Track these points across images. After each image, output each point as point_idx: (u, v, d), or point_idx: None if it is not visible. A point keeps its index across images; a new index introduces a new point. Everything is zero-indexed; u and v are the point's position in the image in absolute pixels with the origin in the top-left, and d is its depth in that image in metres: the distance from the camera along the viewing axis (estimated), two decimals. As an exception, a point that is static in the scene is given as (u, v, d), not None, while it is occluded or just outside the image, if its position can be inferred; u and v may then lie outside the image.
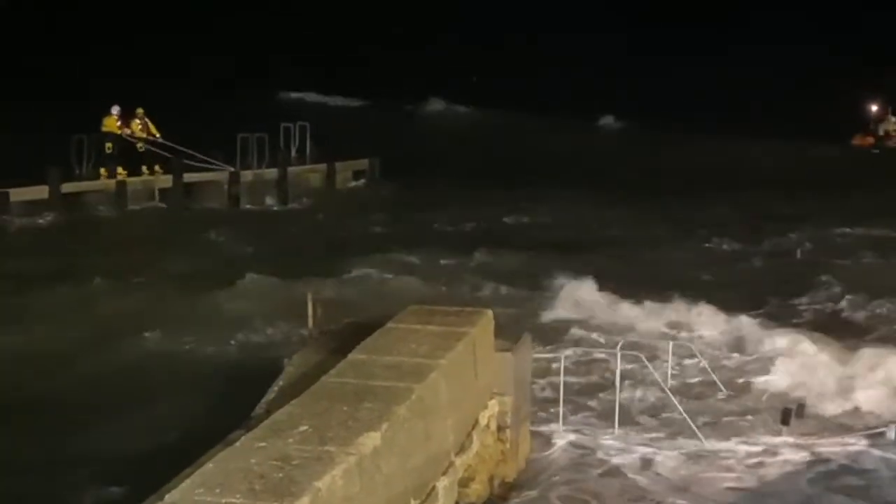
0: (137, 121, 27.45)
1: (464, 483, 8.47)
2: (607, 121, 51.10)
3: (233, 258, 21.07)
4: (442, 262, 20.55)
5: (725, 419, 11.85)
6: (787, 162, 37.18)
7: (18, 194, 24.74)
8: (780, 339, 14.13)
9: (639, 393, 12.44)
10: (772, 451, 10.82)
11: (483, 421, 8.92)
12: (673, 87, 56.33)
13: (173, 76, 52.57)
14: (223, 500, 5.27)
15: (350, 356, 7.85)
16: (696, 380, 13.14)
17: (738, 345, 14.43)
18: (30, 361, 13.89)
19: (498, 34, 69.21)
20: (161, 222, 25.75)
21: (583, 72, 59.99)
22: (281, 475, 5.52)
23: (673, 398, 11.60)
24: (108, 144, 26.80)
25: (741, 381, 13.04)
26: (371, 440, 6.09)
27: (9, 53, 53.47)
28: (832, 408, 11.90)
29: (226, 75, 56.57)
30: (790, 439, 11.07)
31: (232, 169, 28.29)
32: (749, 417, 11.88)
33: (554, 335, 14.84)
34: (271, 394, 8.64)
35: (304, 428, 6.20)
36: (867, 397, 12.01)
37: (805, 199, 28.87)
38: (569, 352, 12.29)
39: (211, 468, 5.67)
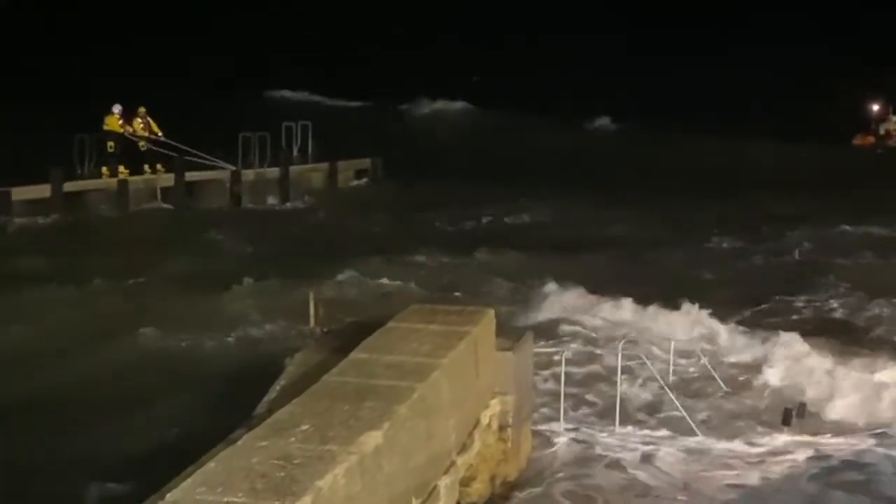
0: (139, 120, 27.49)
1: (465, 482, 8.47)
2: (607, 120, 51.16)
3: (234, 257, 21.09)
4: (444, 261, 20.56)
5: (726, 418, 11.85)
6: (787, 162, 37.20)
7: (20, 193, 24.77)
8: (780, 340, 14.10)
9: (639, 391, 12.44)
10: (773, 450, 10.81)
11: (485, 420, 8.91)
12: (673, 87, 56.35)
13: (173, 76, 52.58)
14: (225, 499, 5.25)
15: (351, 355, 7.84)
16: (696, 379, 13.14)
17: (737, 344, 14.41)
18: (28, 361, 13.88)
19: (498, 34, 69.26)
20: (163, 221, 25.78)
21: (583, 72, 60.03)
22: (283, 474, 5.50)
23: (673, 397, 11.61)
24: (111, 143, 26.84)
25: (741, 380, 13.03)
26: (373, 439, 6.07)
27: (9, 53, 53.48)
28: (832, 408, 11.89)
29: (226, 75, 56.59)
30: (791, 438, 11.08)
31: (234, 168, 28.31)
32: (749, 417, 11.88)
33: (552, 335, 14.82)
34: (273, 393, 8.62)
35: (306, 427, 6.18)
36: (866, 398, 11.98)
37: (805, 198, 28.89)
38: (568, 354, 12.24)
39: (212, 467, 5.65)
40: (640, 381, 12.61)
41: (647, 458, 10.42)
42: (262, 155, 29.51)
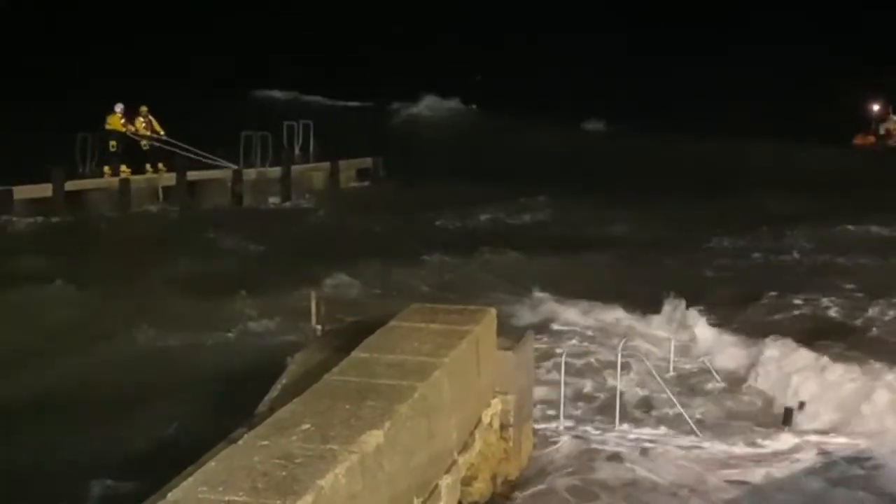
0: (141, 118, 27.51)
1: (467, 481, 8.47)
2: (607, 120, 51.09)
3: (236, 257, 21.11)
4: (445, 260, 20.55)
5: (725, 417, 11.89)
6: (787, 162, 37.15)
7: (22, 192, 24.80)
8: (778, 340, 14.12)
9: (638, 390, 12.46)
10: (772, 448, 10.86)
11: (486, 419, 8.92)
12: (673, 87, 56.31)
13: (173, 76, 52.55)
14: (226, 499, 5.25)
15: (353, 354, 7.84)
16: (694, 379, 13.15)
17: (736, 345, 14.42)
18: (27, 361, 13.88)
19: (498, 34, 69.23)
20: (164, 220, 25.79)
21: (583, 72, 59.98)
22: (284, 473, 5.50)
23: (672, 397, 11.63)
24: (112, 142, 26.87)
25: (739, 381, 13.05)
26: (374, 438, 6.07)
27: (9, 53, 53.46)
28: (831, 408, 11.88)
29: (226, 75, 56.56)
30: (791, 436, 11.10)
31: (235, 167, 28.33)
32: (748, 416, 11.92)
33: (552, 335, 14.83)
34: (274, 392, 8.63)
35: (307, 426, 6.18)
36: (863, 399, 11.97)
37: (805, 198, 28.85)
38: (567, 353, 12.25)
39: (214, 466, 5.65)
40: (639, 380, 12.63)
41: (647, 456, 10.45)
42: (264, 154, 29.52)
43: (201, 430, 10.01)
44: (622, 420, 11.35)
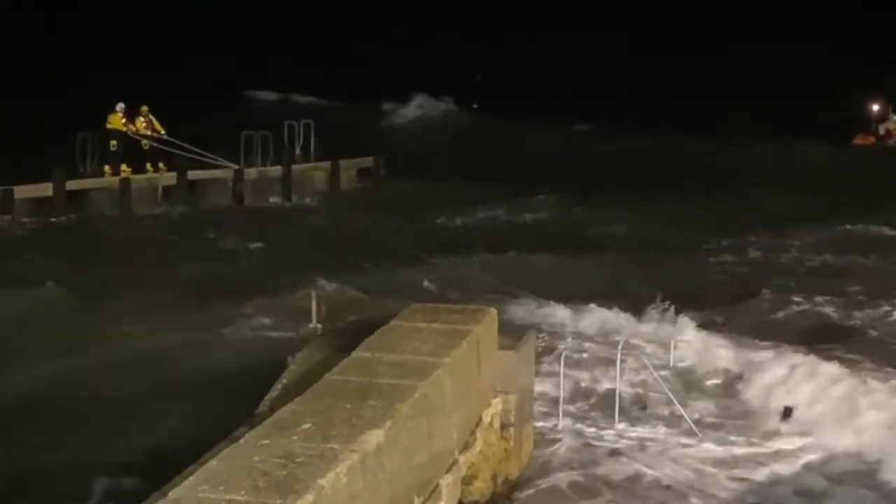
0: (142, 118, 27.54)
1: (467, 481, 8.48)
2: (606, 120, 51.04)
3: (237, 256, 21.12)
4: (446, 260, 20.54)
5: (723, 417, 11.89)
6: (788, 162, 37.15)
7: (23, 191, 24.83)
8: (776, 341, 14.14)
9: (637, 390, 12.48)
10: (772, 447, 10.88)
11: (487, 419, 8.93)
12: (673, 87, 56.30)
13: (173, 76, 52.53)
14: (227, 498, 5.25)
15: (354, 354, 7.84)
16: (693, 379, 13.16)
17: (734, 345, 14.43)
18: (27, 360, 13.87)
19: (498, 34, 69.18)
20: (165, 219, 25.81)
21: (583, 72, 59.95)
22: (285, 473, 5.50)
23: (671, 396, 11.65)
24: (113, 142, 26.92)
25: (738, 381, 13.04)
26: (375, 438, 6.07)
27: (9, 53, 53.44)
28: (830, 409, 11.88)
29: (226, 75, 56.55)
30: (790, 435, 11.12)
31: (236, 166, 28.36)
32: (747, 416, 11.91)
33: (551, 335, 14.84)
34: (275, 391, 8.63)
35: (308, 425, 6.19)
36: (863, 399, 11.97)
37: (805, 198, 28.87)
38: (567, 353, 12.26)
39: (215, 465, 5.65)
40: (638, 379, 12.65)
41: (647, 455, 10.47)
42: (265, 153, 29.54)
43: (201, 430, 10.01)
44: (621, 419, 11.39)
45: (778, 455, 10.69)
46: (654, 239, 23.59)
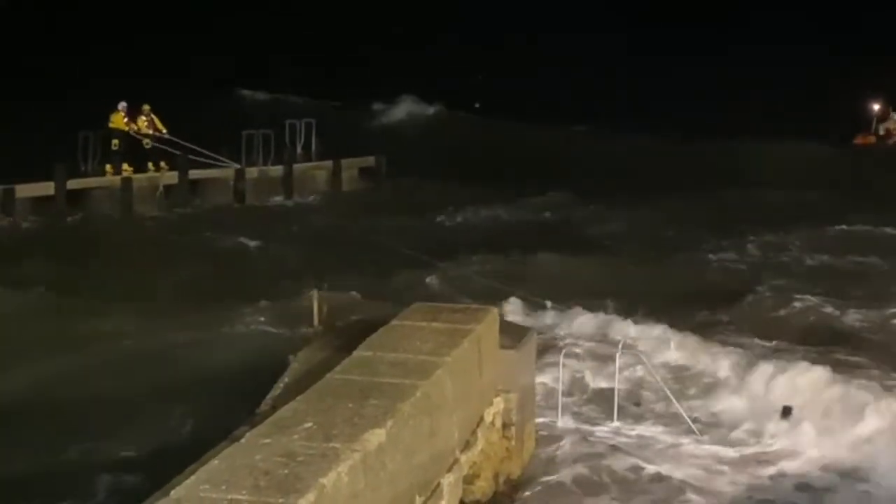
0: (143, 117, 27.54)
1: (469, 480, 8.47)
2: (607, 121, 51.03)
3: (238, 255, 21.11)
4: (447, 260, 20.53)
5: (722, 416, 11.92)
6: (788, 162, 37.12)
7: (24, 191, 24.84)
8: (776, 341, 14.14)
9: (636, 389, 12.54)
10: (771, 445, 10.91)
11: (488, 418, 8.92)
12: (673, 87, 56.30)
13: (173, 76, 52.52)
14: (228, 497, 5.24)
15: (355, 353, 7.84)
16: (692, 378, 13.16)
17: (733, 345, 14.45)
18: (26, 359, 13.87)
19: (498, 34, 69.18)
20: (166, 219, 25.81)
21: (583, 72, 59.95)
22: (286, 472, 5.49)
23: (670, 395, 11.67)
24: (115, 141, 26.93)
25: (736, 381, 13.03)
26: (376, 437, 6.06)
27: (9, 53, 53.43)
28: (829, 409, 11.88)
29: (226, 75, 56.54)
30: (788, 435, 11.11)
31: (238, 166, 28.37)
32: (746, 414, 11.92)
33: (550, 333, 14.84)
34: (276, 390, 8.63)
35: (309, 425, 6.18)
36: (862, 398, 11.96)
37: (805, 198, 28.86)
38: (566, 352, 12.27)
39: (216, 465, 5.64)
40: (637, 378, 12.66)
41: (646, 453, 10.48)
42: (266, 153, 29.54)
43: (202, 429, 10.02)
44: (620, 418, 11.43)
45: (777, 454, 10.71)
46: (653, 238, 23.61)
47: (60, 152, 26.59)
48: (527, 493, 9.44)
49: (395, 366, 7.44)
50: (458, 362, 7.88)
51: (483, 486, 8.92)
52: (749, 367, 13.18)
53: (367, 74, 59.63)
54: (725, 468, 10.32)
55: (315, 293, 10.55)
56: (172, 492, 5.37)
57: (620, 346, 11.86)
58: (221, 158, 28.12)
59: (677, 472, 10.07)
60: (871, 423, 11.19)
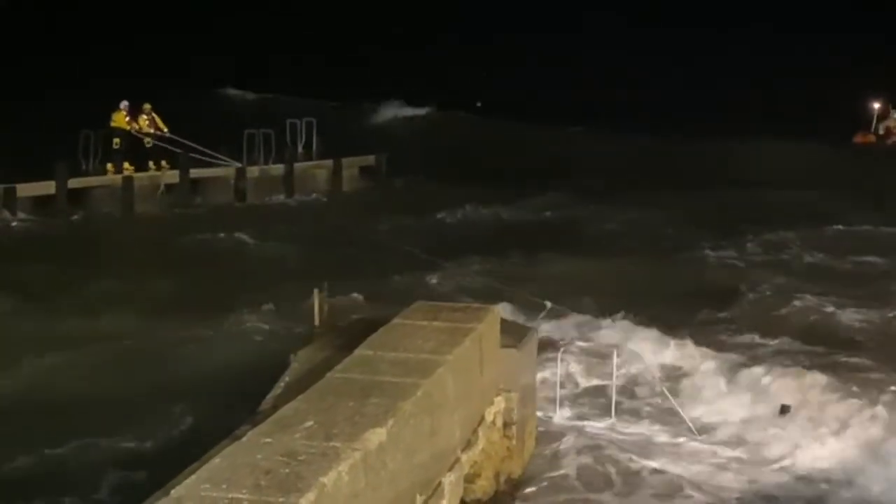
0: (145, 116, 27.55)
1: (470, 479, 8.47)
2: (607, 121, 51.02)
3: (238, 254, 21.09)
4: (447, 260, 20.52)
5: (721, 416, 11.90)
6: (788, 161, 37.11)
7: (25, 190, 24.84)
8: (775, 341, 14.15)
9: (635, 389, 12.56)
10: (770, 446, 10.89)
11: (489, 417, 8.92)
12: (673, 88, 56.33)
13: (173, 76, 52.52)
14: (229, 496, 5.24)
15: (356, 352, 7.83)
16: (692, 378, 13.16)
17: (732, 344, 14.44)
18: (25, 359, 13.87)
19: (498, 34, 69.25)
20: (167, 217, 25.81)
21: (583, 72, 59.99)
22: (287, 471, 5.49)
23: (669, 394, 11.70)
24: (116, 140, 26.94)
25: (735, 380, 13.03)
26: (377, 436, 6.06)
27: (9, 53, 53.44)
28: (828, 409, 11.88)
29: (226, 75, 56.57)
30: (787, 434, 11.12)
31: (239, 165, 28.38)
32: (744, 413, 11.91)
33: (549, 333, 14.83)
34: (277, 389, 8.62)
35: (310, 423, 6.17)
36: (861, 399, 11.96)
37: (805, 198, 28.85)
38: (565, 352, 12.28)
39: (217, 463, 5.64)
40: (636, 378, 12.68)
41: (645, 451, 10.49)
42: (267, 152, 29.56)
43: (203, 428, 10.01)
44: (619, 417, 11.44)
45: (775, 452, 10.71)
46: (653, 238, 23.60)
47: (61, 151, 26.59)
48: (528, 492, 9.44)
49: (396, 364, 7.44)
50: (459, 361, 7.87)
51: (484, 486, 8.91)
52: (747, 366, 13.21)
53: (367, 74, 59.62)
54: (723, 466, 10.31)
55: (315, 292, 10.54)
56: (173, 490, 5.37)
57: (618, 344, 11.86)
58: (222, 157, 28.14)
59: (676, 471, 10.08)
60: (868, 424, 11.21)
